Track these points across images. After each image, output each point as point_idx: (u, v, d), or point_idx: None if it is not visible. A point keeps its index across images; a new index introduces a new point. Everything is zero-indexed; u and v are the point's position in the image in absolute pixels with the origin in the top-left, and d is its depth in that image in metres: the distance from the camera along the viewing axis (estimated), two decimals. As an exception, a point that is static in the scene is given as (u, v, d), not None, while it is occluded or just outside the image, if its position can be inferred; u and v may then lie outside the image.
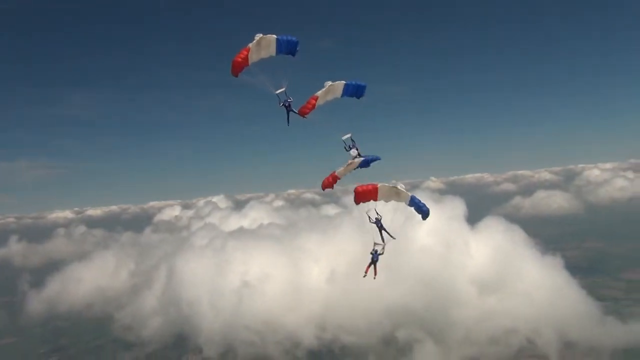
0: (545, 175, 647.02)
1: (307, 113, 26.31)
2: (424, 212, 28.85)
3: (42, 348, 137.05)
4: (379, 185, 27.67)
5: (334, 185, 28.18)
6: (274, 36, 24.93)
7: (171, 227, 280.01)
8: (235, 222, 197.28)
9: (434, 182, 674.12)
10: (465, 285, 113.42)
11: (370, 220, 29.74)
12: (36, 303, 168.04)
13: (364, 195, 27.98)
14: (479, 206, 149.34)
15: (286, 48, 25.43)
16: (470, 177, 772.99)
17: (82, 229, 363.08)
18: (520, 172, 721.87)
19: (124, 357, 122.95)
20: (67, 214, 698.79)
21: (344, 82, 26.79)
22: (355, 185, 27.64)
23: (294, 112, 26.38)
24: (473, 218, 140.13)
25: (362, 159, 27.28)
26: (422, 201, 28.50)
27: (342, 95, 27.24)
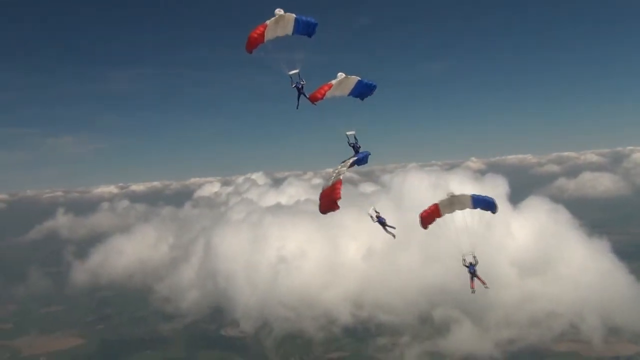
0: (591, 157, 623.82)
1: (317, 100, 25.09)
2: (491, 204, 27.27)
3: (88, 317, 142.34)
4: (438, 203, 27.50)
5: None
6: (293, 15, 23.95)
7: (210, 202, 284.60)
8: (272, 198, 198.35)
9: (474, 163, 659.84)
10: (505, 266, 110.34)
11: (372, 220, 28.76)
12: (80, 273, 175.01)
13: (428, 219, 28.11)
14: (521, 187, 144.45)
15: (304, 29, 24.48)
16: (512, 157, 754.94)
17: (125, 203, 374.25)
18: (565, 153, 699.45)
19: (164, 328, 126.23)
20: (112, 189, 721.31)
21: (357, 78, 25.41)
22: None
23: (305, 96, 25.39)
24: (515, 199, 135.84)
25: (354, 158, 26.38)
26: (482, 195, 27.25)
27: (350, 94, 26.01)
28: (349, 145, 26.53)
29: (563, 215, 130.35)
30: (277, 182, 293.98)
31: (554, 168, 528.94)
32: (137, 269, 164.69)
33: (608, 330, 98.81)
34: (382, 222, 28.95)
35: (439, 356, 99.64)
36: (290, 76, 25.12)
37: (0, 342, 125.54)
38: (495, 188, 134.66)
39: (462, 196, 26.70)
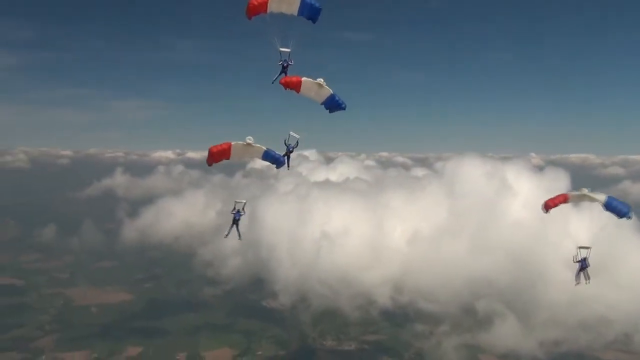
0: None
1: (285, 86, 25.18)
2: (618, 210, 26.23)
3: (138, 274, 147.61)
4: (569, 195, 28.39)
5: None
6: None
7: (261, 174, 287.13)
8: (322, 174, 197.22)
9: (533, 159, 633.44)
10: (558, 265, 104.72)
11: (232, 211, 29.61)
12: (131, 231, 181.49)
13: (554, 204, 28.11)
14: (582, 186, 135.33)
15: (309, 12, 23.88)
16: (574, 156, 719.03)
17: (180, 168, 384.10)
18: (632, 156, 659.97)
19: (207, 293, 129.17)
20: (169, 154, 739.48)
21: (330, 92, 25.57)
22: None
23: (285, 74, 25.35)
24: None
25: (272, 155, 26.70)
26: (617, 200, 26.12)
27: (322, 103, 25.82)
28: (285, 144, 26.71)
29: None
30: (328, 161, 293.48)
31: (619, 170, 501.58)
32: (184, 232, 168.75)
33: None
34: (236, 218, 28.92)
35: (478, 349, 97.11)
36: (280, 52, 24.78)
37: (57, 289, 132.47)
38: (556, 182, 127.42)
39: (596, 196, 26.41)
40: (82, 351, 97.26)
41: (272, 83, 25.45)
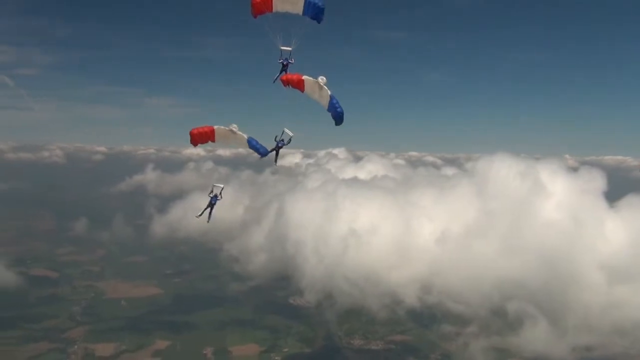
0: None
1: (284, 83, 24.79)
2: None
3: (167, 269, 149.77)
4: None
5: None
6: None
7: (290, 172, 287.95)
8: (350, 172, 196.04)
9: (567, 160, 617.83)
10: (593, 269, 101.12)
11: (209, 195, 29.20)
12: (160, 226, 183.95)
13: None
14: (619, 189, 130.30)
15: (313, 12, 23.37)
16: (609, 158, 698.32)
17: (209, 165, 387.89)
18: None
19: (234, 289, 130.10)
20: (200, 151, 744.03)
21: (329, 95, 24.50)
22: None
23: (286, 72, 24.97)
24: (612, 198, 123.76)
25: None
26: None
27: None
28: (275, 139, 26.06)
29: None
30: (357, 159, 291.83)
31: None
32: (212, 228, 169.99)
33: None
34: (212, 202, 28.77)
35: (506, 352, 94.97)
36: (281, 50, 24.46)
37: (89, 282, 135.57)
38: (591, 182, 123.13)
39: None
40: (111, 343, 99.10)
41: (273, 82, 25.18)
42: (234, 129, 25.18)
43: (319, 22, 23.80)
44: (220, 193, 28.88)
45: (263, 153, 25.61)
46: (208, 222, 29.57)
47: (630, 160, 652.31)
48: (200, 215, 29.41)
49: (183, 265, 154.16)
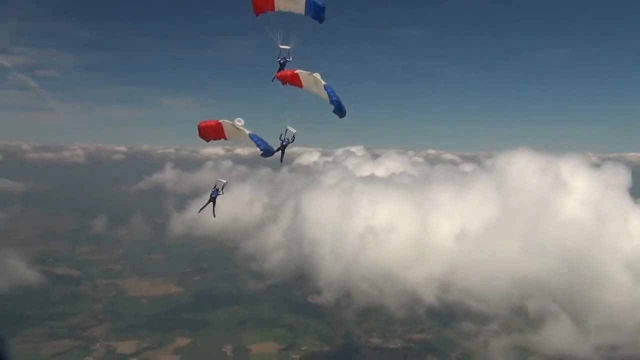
0: None
1: (282, 81, 24.67)
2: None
3: (186, 268, 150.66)
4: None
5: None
6: None
7: (307, 170, 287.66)
8: (368, 169, 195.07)
9: (591, 157, 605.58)
10: (617, 267, 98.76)
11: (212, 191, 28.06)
12: (178, 224, 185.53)
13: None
14: None
15: (314, 11, 23.10)
16: (633, 155, 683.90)
17: (228, 163, 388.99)
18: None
19: (252, 287, 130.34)
20: (218, 150, 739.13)
21: (322, 83, 23.77)
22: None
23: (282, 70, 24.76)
24: (635, 197, 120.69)
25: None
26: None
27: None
28: (280, 139, 25.58)
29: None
30: (375, 157, 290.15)
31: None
32: (230, 226, 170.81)
33: None
34: (213, 196, 27.80)
35: (527, 351, 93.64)
36: (280, 49, 24.29)
37: (110, 280, 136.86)
38: (615, 177, 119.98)
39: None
40: (132, 341, 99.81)
41: (272, 81, 25.03)
42: (237, 124, 24.50)
43: (320, 22, 23.59)
44: (222, 188, 28.33)
45: (263, 149, 24.74)
46: (214, 216, 28.67)
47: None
48: (202, 209, 28.86)
49: (201, 264, 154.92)
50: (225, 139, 25.60)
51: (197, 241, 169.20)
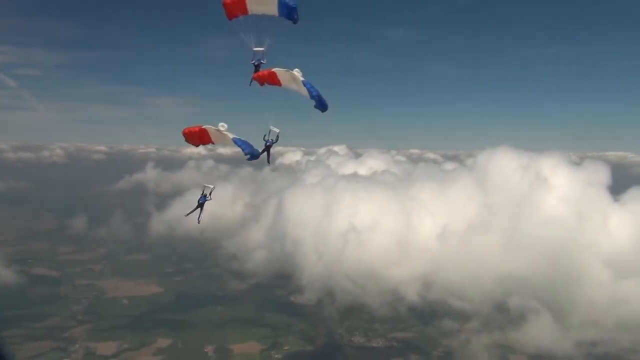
0: None
1: (259, 82, 24.55)
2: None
3: (168, 268, 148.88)
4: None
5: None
6: None
7: (290, 169, 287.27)
8: (350, 167, 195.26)
9: (570, 157, 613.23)
10: (597, 264, 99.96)
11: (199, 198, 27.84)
12: (159, 223, 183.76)
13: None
14: (621, 185, 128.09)
15: (286, 11, 22.94)
16: (611, 154, 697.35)
17: (210, 163, 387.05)
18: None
19: (235, 287, 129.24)
20: (201, 149, 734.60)
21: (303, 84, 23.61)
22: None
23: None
24: (615, 193, 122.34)
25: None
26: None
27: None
28: (264, 139, 25.37)
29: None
30: (358, 156, 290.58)
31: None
32: (211, 225, 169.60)
33: None
34: (200, 202, 27.85)
35: (509, 349, 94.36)
36: (254, 52, 24.18)
37: (90, 281, 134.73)
38: (595, 174, 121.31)
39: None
40: (113, 342, 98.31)
41: (250, 85, 24.83)
42: (221, 128, 24.31)
43: (294, 22, 23.36)
44: (210, 194, 28.00)
45: (248, 153, 24.42)
46: (199, 222, 28.38)
47: (632, 156, 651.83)
48: (189, 214, 28.65)
49: (183, 264, 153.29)
50: (213, 143, 25.47)
51: (178, 241, 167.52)
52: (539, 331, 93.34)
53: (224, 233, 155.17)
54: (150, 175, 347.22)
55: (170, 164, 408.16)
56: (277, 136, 25.46)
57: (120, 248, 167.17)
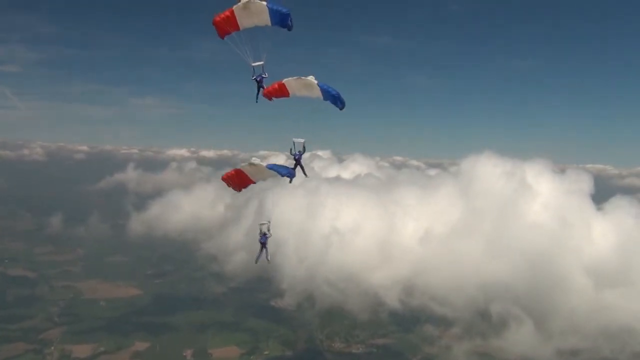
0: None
1: (269, 97, 24.70)
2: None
3: (147, 270, 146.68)
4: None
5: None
6: (264, 3, 21.99)
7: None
8: (334, 171, 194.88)
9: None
10: (579, 272, 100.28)
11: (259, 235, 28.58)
12: (138, 224, 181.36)
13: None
14: (600, 197, 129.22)
15: (279, 20, 22.56)
16: (590, 167, 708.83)
17: (192, 164, 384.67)
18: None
19: (215, 291, 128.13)
20: (184, 152, 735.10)
21: (315, 83, 23.84)
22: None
23: (263, 88, 24.63)
24: (597, 202, 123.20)
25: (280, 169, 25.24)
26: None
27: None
28: (291, 153, 25.32)
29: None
30: (342, 161, 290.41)
31: (637, 182, 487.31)
32: (192, 226, 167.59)
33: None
34: (262, 241, 28.55)
35: (489, 356, 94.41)
36: (253, 67, 23.90)
37: (67, 282, 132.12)
38: (578, 182, 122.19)
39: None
40: (89, 344, 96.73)
41: (257, 102, 24.78)
42: (254, 162, 24.55)
43: (289, 30, 22.97)
44: (269, 230, 28.54)
45: (286, 175, 24.70)
46: (268, 261, 29.37)
47: (610, 169, 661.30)
48: (257, 260, 29.27)
49: (163, 265, 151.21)
50: (254, 182, 25.84)
51: (158, 242, 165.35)
52: (521, 338, 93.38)
53: (204, 234, 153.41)
54: (131, 175, 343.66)
55: (152, 165, 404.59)
56: (304, 146, 25.39)
57: (99, 249, 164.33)
